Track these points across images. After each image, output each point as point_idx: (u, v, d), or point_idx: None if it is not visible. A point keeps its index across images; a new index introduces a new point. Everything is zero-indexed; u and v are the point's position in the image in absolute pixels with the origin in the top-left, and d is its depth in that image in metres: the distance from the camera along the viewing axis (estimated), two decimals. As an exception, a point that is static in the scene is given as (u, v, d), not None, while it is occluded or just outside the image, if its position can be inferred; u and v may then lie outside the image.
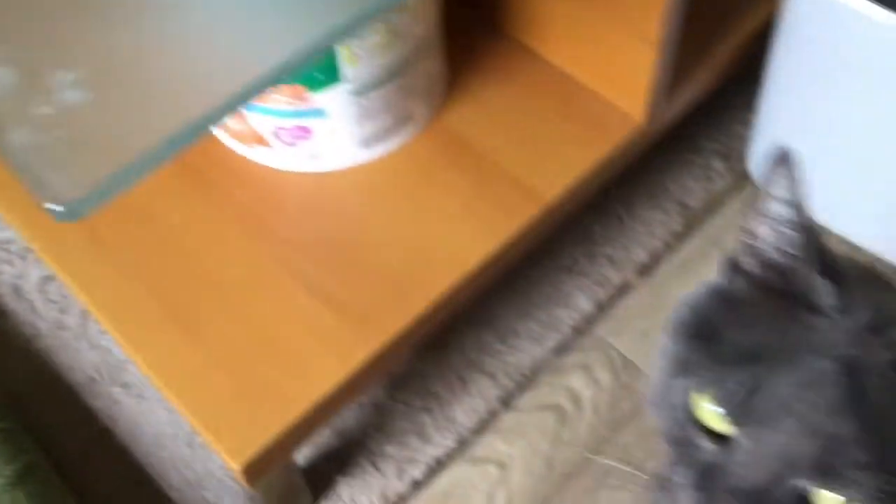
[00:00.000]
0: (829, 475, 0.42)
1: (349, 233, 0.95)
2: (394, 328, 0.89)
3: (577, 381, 1.08)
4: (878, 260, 1.14)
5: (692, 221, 1.18)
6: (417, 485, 1.03)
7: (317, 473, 1.03)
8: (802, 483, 0.43)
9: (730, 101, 1.25)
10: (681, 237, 1.17)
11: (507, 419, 1.07)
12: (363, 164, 0.98)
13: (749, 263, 0.51)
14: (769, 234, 0.49)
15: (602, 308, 1.12)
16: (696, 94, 1.10)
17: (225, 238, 0.95)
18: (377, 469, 1.03)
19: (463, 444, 1.05)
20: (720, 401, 0.45)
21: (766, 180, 0.48)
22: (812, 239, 0.47)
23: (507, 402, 1.07)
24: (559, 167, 0.99)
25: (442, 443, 1.04)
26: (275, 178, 0.98)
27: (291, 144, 0.95)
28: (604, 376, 1.09)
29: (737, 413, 0.44)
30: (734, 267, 0.52)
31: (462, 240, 0.94)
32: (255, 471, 0.84)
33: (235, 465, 0.82)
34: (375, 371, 0.90)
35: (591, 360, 1.10)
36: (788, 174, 0.47)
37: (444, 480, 1.04)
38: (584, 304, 1.12)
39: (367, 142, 0.97)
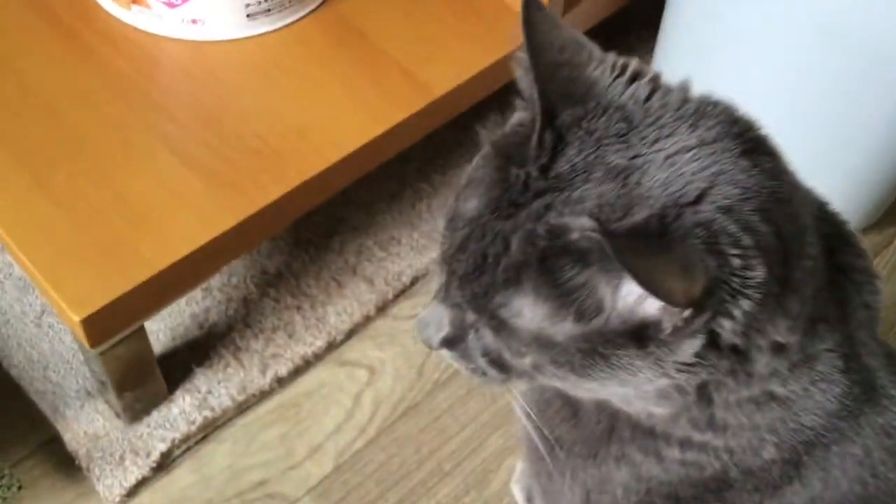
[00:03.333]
0: None
1: (226, 104, 0.91)
2: (263, 200, 0.85)
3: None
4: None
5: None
6: (281, 381, 0.98)
7: (175, 362, 0.97)
8: None
9: (632, 25, 1.25)
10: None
11: (382, 325, 1.04)
12: (248, 37, 0.95)
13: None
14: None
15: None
16: (594, 9, 1.09)
17: (95, 101, 0.90)
18: (240, 363, 0.98)
19: (333, 346, 1.01)
20: None
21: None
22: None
23: (383, 308, 1.04)
24: (452, 64, 0.96)
25: (311, 342, 1.00)
26: (153, 43, 0.94)
27: (171, 5, 0.90)
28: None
29: None
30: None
31: (344, 123, 0.91)
32: (96, 328, 0.79)
33: (75, 317, 0.77)
34: (240, 242, 0.86)
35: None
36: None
37: (309, 379, 1.00)
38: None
39: (254, 14, 0.93)
